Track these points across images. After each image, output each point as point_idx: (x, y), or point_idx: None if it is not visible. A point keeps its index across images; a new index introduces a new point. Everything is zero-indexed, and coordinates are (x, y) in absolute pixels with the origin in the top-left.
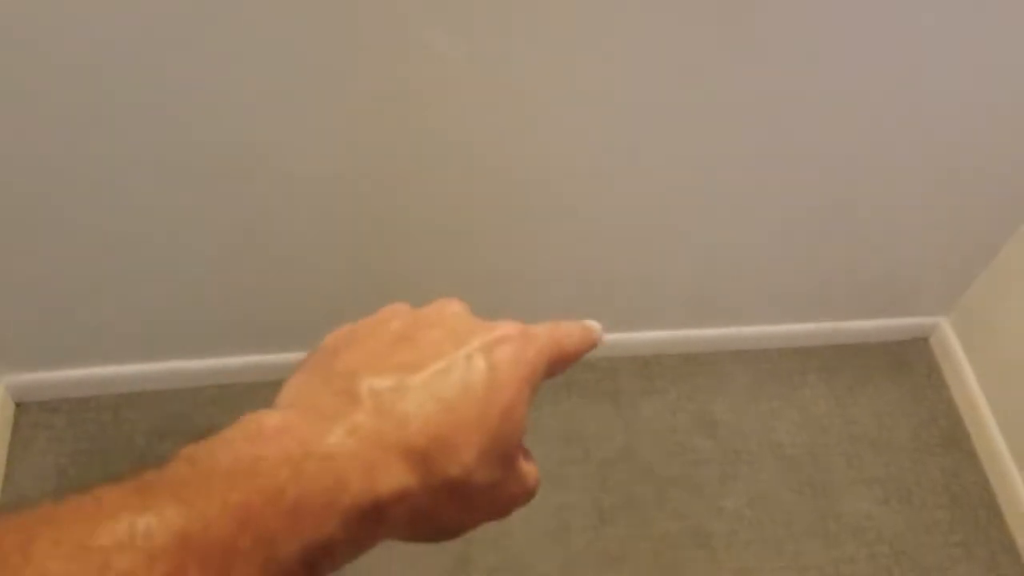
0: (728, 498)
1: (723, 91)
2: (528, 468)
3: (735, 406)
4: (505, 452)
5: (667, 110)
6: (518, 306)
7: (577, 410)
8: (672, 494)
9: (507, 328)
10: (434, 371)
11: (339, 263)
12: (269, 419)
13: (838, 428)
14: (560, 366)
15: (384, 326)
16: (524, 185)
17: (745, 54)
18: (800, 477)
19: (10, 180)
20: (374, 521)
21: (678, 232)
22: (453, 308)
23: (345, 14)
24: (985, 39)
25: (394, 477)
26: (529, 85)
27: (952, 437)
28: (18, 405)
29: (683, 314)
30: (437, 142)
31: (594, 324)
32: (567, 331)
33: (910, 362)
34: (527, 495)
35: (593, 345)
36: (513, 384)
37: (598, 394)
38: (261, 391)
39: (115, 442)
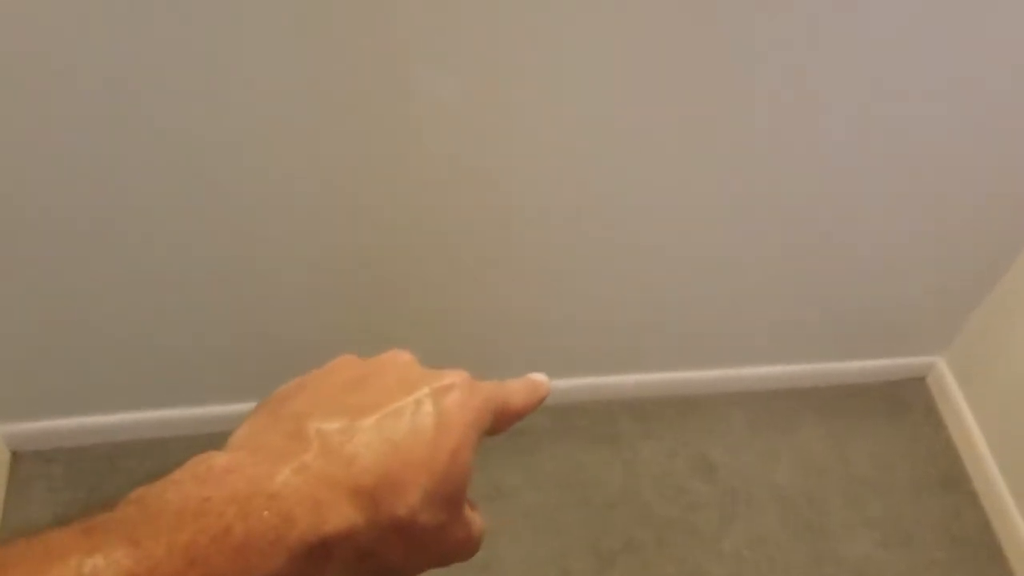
0: (727, 540)
1: (717, 134)
2: (473, 516)
3: (733, 448)
4: (451, 495)
5: (662, 152)
6: (514, 351)
7: (575, 454)
8: (671, 537)
9: (455, 376)
10: (383, 414)
11: (331, 313)
12: (218, 460)
13: (836, 469)
14: (506, 421)
15: (334, 375)
16: (518, 227)
17: (738, 96)
18: (799, 519)
19: (6, 230)
20: (321, 559)
21: (674, 274)
22: (403, 358)
23: (339, 53)
24: (974, 80)
25: (341, 515)
26: (522, 125)
27: (951, 477)
28: (14, 454)
29: (679, 356)
30: (429, 188)
31: (540, 377)
32: (513, 388)
33: (907, 402)
34: (472, 543)
35: (540, 399)
36: (460, 428)
37: (596, 438)
38: None
39: (112, 491)
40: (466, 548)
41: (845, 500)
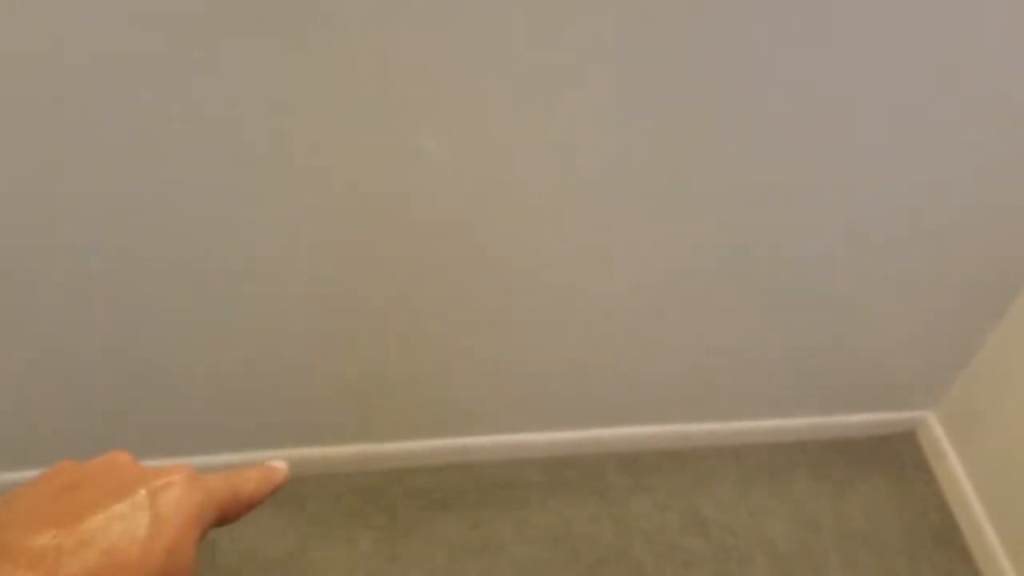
0: None
1: (708, 191)
2: None
3: (724, 503)
4: None
5: (651, 207)
6: (504, 403)
7: (565, 508)
8: None
9: (173, 475)
10: (95, 520)
11: (322, 364)
12: None
13: (830, 524)
14: (236, 511)
15: (48, 482)
16: (509, 281)
17: (728, 153)
18: (794, 575)
19: None
20: None
21: (663, 329)
22: (121, 459)
23: (337, 122)
24: (966, 136)
25: None
26: (514, 182)
27: (944, 533)
28: None
29: (670, 410)
30: (420, 244)
31: (278, 464)
32: (244, 477)
33: (899, 456)
34: None
35: (276, 487)
36: (176, 526)
37: (586, 492)
38: None
39: None
40: None
41: (840, 556)
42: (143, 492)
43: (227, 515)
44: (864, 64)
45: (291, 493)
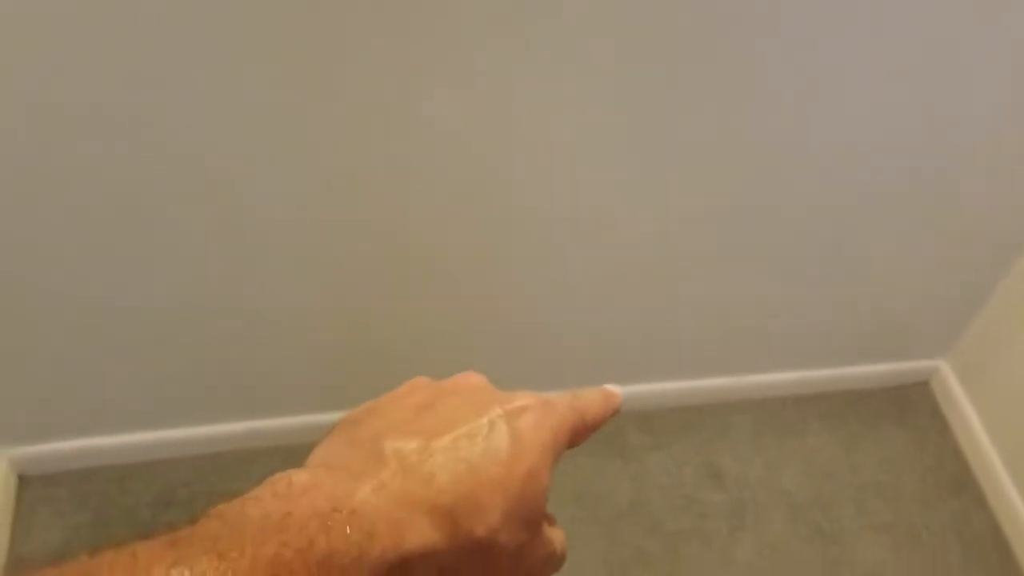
0: (738, 549)
1: (721, 141)
2: (554, 533)
3: (740, 456)
4: (529, 516)
5: (666, 160)
6: (520, 363)
7: (584, 467)
8: (682, 547)
9: (527, 398)
10: (457, 435)
11: (335, 331)
12: (298, 477)
13: (844, 475)
14: (583, 435)
15: (405, 399)
16: (522, 241)
17: (741, 103)
18: (810, 526)
19: (9, 257)
20: None
21: (676, 284)
22: (473, 380)
23: (340, 86)
24: (972, 83)
25: (420, 534)
26: (524, 143)
27: (959, 481)
28: (21, 479)
29: (684, 366)
30: (437, 205)
31: (614, 388)
32: (588, 400)
33: (913, 406)
34: (554, 559)
35: (615, 410)
36: (535, 449)
37: (604, 451)
38: (260, 457)
39: (119, 513)
40: (548, 565)
41: (855, 505)
42: (499, 412)
43: (576, 439)
44: (867, 10)
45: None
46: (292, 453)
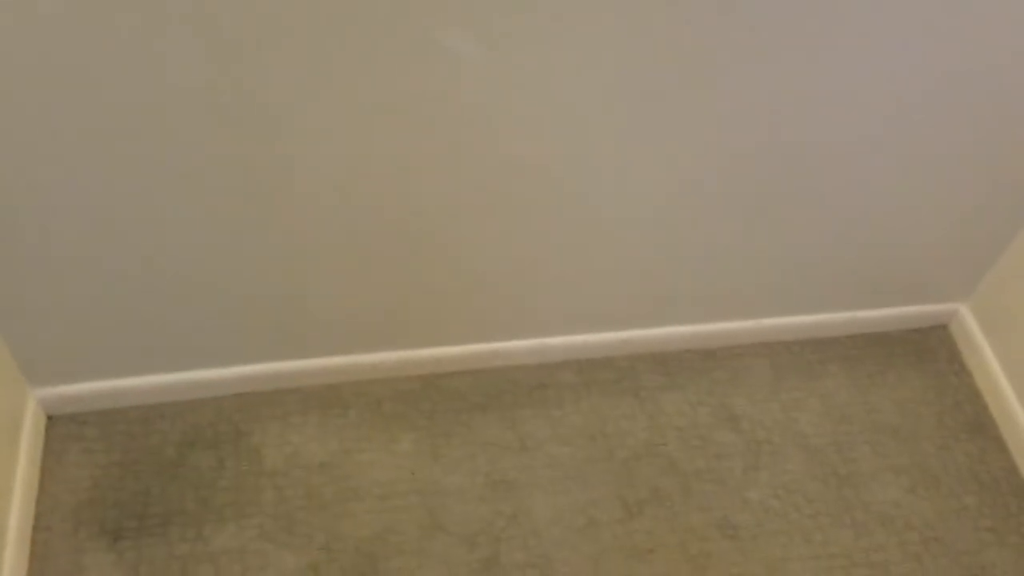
0: (753, 489)
1: (735, 82)
2: None
3: (756, 399)
4: None
5: (681, 104)
6: (539, 306)
7: (599, 408)
8: (697, 487)
9: None
10: None
11: (358, 272)
12: None
13: (861, 417)
14: None
15: None
16: (541, 183)
17: (753, 44)
18: (825, 467)
19: (39, 201)
20: None
21: (692, 228)
22: None
23: (359, 19)
24: (997, 25)
25: None
26: (546, 82)
27: (977, 423)
28: (50, 418)
29: (702, 309)
30: (456, 144)
31: None
32: None
33: (931, 349)
34: None
35: None
36: None
37: (620, 391)
38: (284, 398)
39: (145, 452)
40: None
41: (871, 447)
42: None
43: None
44: None
45: (332, 400)
46: (314, 394)
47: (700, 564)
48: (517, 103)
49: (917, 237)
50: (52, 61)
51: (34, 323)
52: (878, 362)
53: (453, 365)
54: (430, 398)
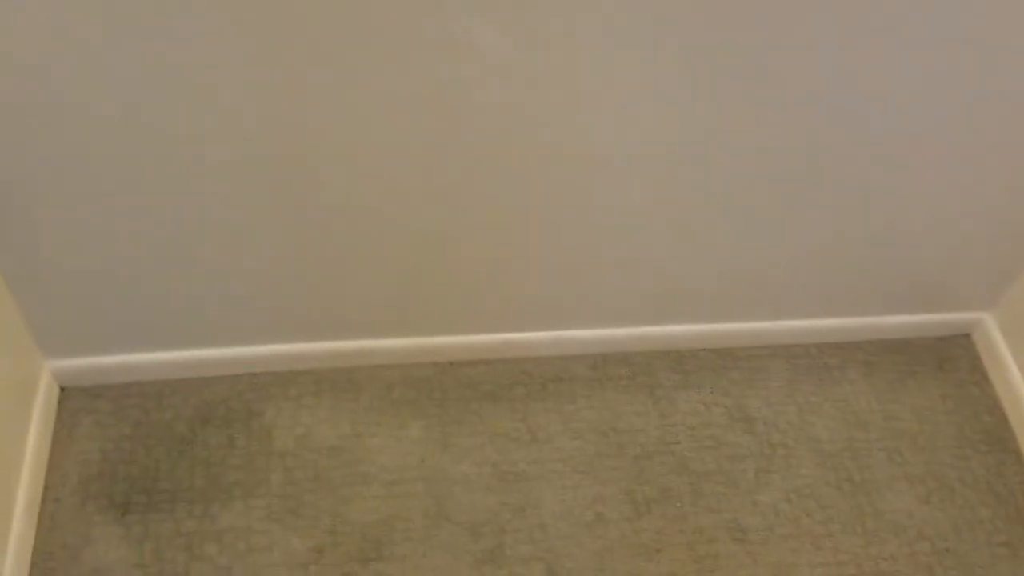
0: (765, 493)
1: (766, 83)
2: None
3: (772, 401)
4: None
5: (707, 104)
6: (557, 300)
7: (613, 403)
8: (707, 488)
9: None
10: None
11: (376, 258)
12: None
13: (878, 424)
14: None
15: None
16: (561, 176)
17: (786, 43)
18: (839, 473)
19: (58, 172)
20: None
21: (714, 226)
22: None
23: (383, 8)
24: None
25: None
26: (570, 74)
27: (997, 435)
28: (63, 390)
29: (719, 308)
30: (478, 134)
31: None
32: None
33: (953, 358)
34: None
35: None
36: None
37: (634, 388)
38: (296, 378)
39: (157, 427)
40: None
41: (887, 455)
42: None
43: None
44: None
45: (345, 384)
46: (327, 377)
47: (707, 566)
48: (541, 95)
49: (944, 244)
50: (70, 32)
51: (50, 294)
52: (898, 369)
53: (467, 354)
54: (442, 386)
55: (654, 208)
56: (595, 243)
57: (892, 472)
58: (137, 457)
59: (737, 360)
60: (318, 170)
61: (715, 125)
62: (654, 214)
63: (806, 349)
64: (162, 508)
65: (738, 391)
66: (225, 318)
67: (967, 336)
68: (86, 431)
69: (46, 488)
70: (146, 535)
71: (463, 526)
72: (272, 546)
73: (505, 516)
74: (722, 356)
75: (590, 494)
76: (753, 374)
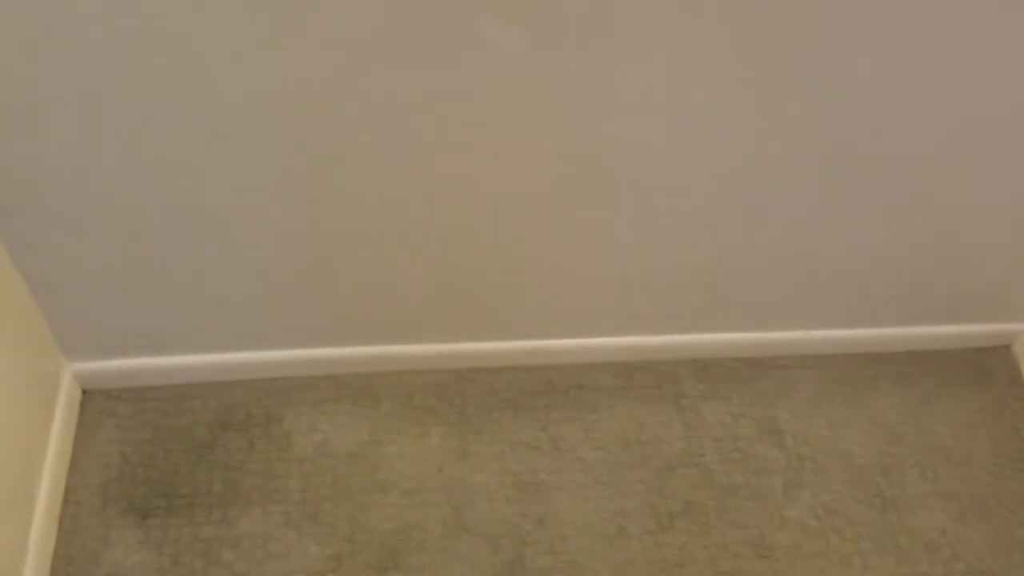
0: (792, 508)
1: (807, 87)
2: None
3: (802, 413)
4: None
5: (736, 106)
6: (582, 307)
7: (637, 413)
8: (733, 502)
9: None
10: None
11: (398, 263)
12: None
13: (912, 438)
14: None
15: None
16: (588, 183)
17: (833, 52)
18: (870, 489)
19: (82, 176)
20: None
21: (749, 233)
22: None
23: (399, 8)
24: None
25: None
26: (585, 80)
27: None
28: (84, 392)
29: (747, 317)
30: (502, 137)
31: None
32: None
33: (991, 371)
34: None
35: None
36: None
37: (659, 398)
38: (316, 384)
39: (176, 431)
40: None
41: (920, 471)
42: None
43: None
44: None
45: (365, 390)
46: (348, 383)
47: None
48: (564, 96)
49: (988, 253)
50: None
51: (73, 297)
52: (934, 381)
53: (488, 361)
54: (462, 393)
55: (684, 215)
56: (620, 248)
57: (925, 489)
58: (157, 461)
59: (766, 370)
60: (341, 174)
61: (758, 130)
62: (684, 221)
63: (837, 360)
64: (181, 513)
65: (766, 402)
66: (246, 323)
67: (1007, 348)
68: (107, 434)
69: (67, 490)
70: (165, 539)
71: (482, 536)
72: (289, 553)
73: (525, 527)
74: (750, 366)
75: (612, 506)
76: (782, 385)
